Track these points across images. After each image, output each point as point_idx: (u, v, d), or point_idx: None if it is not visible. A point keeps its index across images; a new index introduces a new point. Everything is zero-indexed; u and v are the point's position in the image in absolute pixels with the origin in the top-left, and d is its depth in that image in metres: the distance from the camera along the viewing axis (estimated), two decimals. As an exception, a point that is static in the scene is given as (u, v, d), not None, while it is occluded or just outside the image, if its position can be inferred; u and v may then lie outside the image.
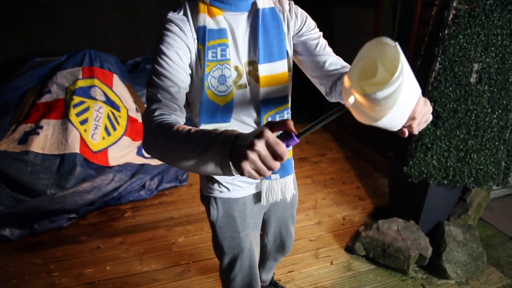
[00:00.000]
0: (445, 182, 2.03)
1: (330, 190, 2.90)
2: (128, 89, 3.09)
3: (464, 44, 1.89)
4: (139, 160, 2.82)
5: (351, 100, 0.74)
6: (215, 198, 1.19)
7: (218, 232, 1.24)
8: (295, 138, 0.65)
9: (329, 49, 1.12)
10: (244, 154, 0.61)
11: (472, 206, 2.26)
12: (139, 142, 2.91)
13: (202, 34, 0.97)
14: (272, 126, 0.65)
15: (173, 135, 0.77)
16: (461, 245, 2.06)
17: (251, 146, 0.60)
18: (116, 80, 3.03)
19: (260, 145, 0.61)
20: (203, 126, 1.02)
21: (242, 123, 1.10)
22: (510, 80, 1.95)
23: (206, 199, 1.21)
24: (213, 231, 1.26)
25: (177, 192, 2.88)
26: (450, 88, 1.93)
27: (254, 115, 1.10)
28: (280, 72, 1.07)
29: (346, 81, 0.78)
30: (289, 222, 1.45)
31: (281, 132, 0.66)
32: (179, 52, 0.94)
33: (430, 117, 0.85)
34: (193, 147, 0.72)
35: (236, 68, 1.03)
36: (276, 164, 0.62)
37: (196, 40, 0.97)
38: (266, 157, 0.61)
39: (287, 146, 0.64)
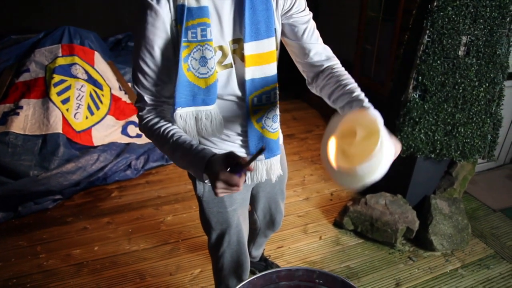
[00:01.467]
0: (432, 156, 2.04)
1: (317, 166, 2.90)
2: (111, 67, 2.99)
3: (453, 16, 1.86)
4: (124, 140, 2.76)
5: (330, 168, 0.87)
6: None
7: (205, 207, 1.22)
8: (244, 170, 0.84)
9: (316, 36, 1.09)
10: (213, 185, 0.83)
11: (458, 180, 2.29)
12: (123, 121, 2.85)
13: (180, 14, 0.91)
14: (228, 158, 0.84)
15: (162, 141, 0.96)
16: (447, 218, 2.10)
17: (214, 183, 0.82)
18: (98, 58, 2.92)
19: (219, 184, 0.82)
20: (179, 110, 0.99)
21: (228, 101, 1.07)
22: (497, 53, 1.94)
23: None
24: (200, 206, 1.24)
25: (163, 171, 2.84)
26: (438, 62, 1.92)
27: (240, 94, 1.06)
28: (267, 51, 1.02)
29: (326, 149, 0.88)
30: (278, 197, 1.44)
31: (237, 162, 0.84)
32: (161, 45, 0.93)
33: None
34: (179, 157, 0.93)
35: (221, 48, 0.99)
36: (238, 187, 0.82)
37: (174, 22, 0.92)
38: (227, 187, 0.82)
39: (240, 175, 0.83)
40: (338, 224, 2.21)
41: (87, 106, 2.69)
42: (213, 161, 0.85)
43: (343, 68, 1.10)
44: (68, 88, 2.65)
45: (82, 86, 2.71)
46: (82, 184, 2.53)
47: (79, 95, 2.67)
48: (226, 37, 0.98)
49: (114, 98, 2.89)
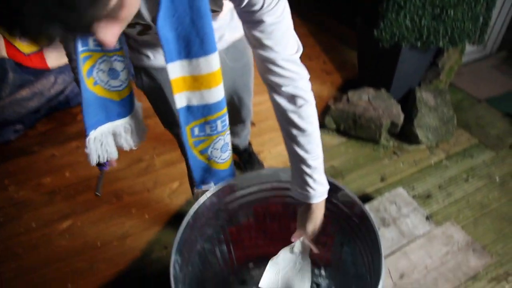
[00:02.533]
0: (419, 44, 1.88)
1: (298, 68, 2.72)
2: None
3: None
4: (83, 59, 2.50)
5: None
6: (139, 68, 1.00)
7: (153, 104, 1.10)
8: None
9: (276, 43, 0.70)
10: None
11: (444, 70, 2.17)
12: (79, 39, 2.55)
13: None
14: None
15: None
16: (433, 110, 2.01)
17: None
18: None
19: None
20: (93, 134, 0.88)
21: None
22: None
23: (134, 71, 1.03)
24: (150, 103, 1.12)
25: (132, 90, 2.63)
26: None
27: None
28: (205, 72, 0.74)
29: None
30: (240, 91, 1.28)
31: None
32: None
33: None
34: None
35: None
36: None
37: None
38: None
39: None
40: (320, 125, 2.09)
41: (33, 23, 2.37)
42: None
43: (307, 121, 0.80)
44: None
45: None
46: (42, 110, 2.33)
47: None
48: None
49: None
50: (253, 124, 2.18)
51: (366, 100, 2.00)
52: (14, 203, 1.83)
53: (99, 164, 0.99)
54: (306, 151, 0.81)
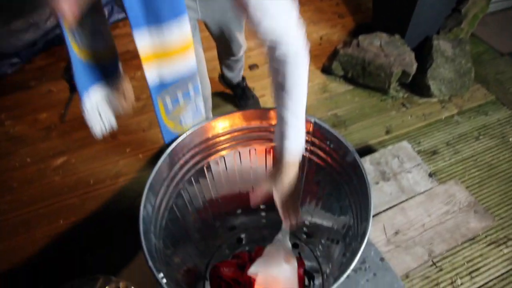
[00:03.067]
0: (441, -15, 1.70)
1: (306, 8, 2.52)
2: None
3: None
4: (81, -10, 2.36)
5: None
6: None
7: None
8: None
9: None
10: None
11: (467, 18, 1.98)
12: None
13: None
14: None
15: None
16: (449, 61, 1.87)
17: None
18: None
19: None
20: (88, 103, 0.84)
21: None
22: None
23: None
24: None
25: (133, 25, 2.50)
26: None
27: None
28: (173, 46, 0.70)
29: None
30: (230, 25, 1.22)
31: None
32: None
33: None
34: None
35: None
36: None
37: None
38: None
39: None
40: (326, 70, 1.99)
41: None
42: None
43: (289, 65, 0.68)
44: None
45: None
46: (39, 44, 2.23)
47: None
48: None
49: None
50: (256, 66, 2.08)
51: (378, 45, 1.85)
52: (9, 137, 1.81)
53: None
54: (286, 107, 0.72)
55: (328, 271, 1.10)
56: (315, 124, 0.89)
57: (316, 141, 0.93)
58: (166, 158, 0.80)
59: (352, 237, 0.86)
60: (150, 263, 0.62)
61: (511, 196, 1.52)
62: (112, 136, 1.76)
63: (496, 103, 1.88)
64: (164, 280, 0.62)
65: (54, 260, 1.38)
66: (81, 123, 1.83)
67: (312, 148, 0.96)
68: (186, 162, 0.90)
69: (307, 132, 0.92)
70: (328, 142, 0.90)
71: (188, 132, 0.87)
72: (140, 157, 1.69)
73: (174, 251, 0.86)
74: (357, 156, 0.81)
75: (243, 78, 1.79)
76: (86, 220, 1.49)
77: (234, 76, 1.71)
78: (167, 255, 0.78)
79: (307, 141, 0.94)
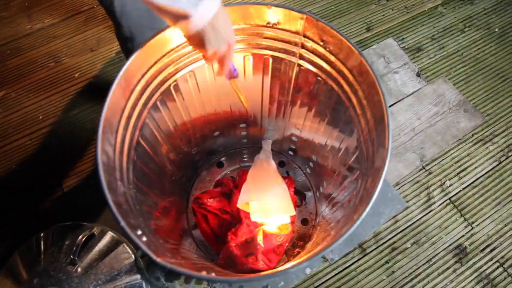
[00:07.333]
0: None
1: None
2: None
3: None
4: None
5: None
6: None
7: None
8: None
9: None
10: None
11: None
12: None
13: None
14: None
15: None
16: None
17: None
18: None
19: None
20: None
21: None
22: None
23: None
24: None
25: None
26: None
27: None
28: None
29: None
30: None
31: None
32: None
33: None
34: None
35: None
36: None
37: None
38: None
39: None
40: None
41: None
42: None
43: None
44: None
45: None
46: None
47: None
48: None
49: None
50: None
51: None
52: None
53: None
54: None
55: (321, 189, 1.02)
56: (307, 19, 0.70)
57: (309, 42, 0.76)
58: (121, 83, 0.60)
59: (359, 151, 0.75)
60: (123, 223, 0.48)
61: (497, 91, 1.45)
62: (55, 59, 1.49)
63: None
64: (144, 238, 0.49)
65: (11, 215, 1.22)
66: (14, 48, 1.54)
67: (302, 52, 0.78)
68: (148, 84, 0.70)
69: (296, 33, 0.74)
70: (323, 43, 0.72)
71: (143, 45, 0.66)
72: (92, 82, 1.45)
73: (148, 192, 0.72)
74: (364, 57, 0.65)
75: None
76: (39, 164, 1.29)
77: None
78: (140, 200, 0.63)
79: (295, 44, 0.77)
